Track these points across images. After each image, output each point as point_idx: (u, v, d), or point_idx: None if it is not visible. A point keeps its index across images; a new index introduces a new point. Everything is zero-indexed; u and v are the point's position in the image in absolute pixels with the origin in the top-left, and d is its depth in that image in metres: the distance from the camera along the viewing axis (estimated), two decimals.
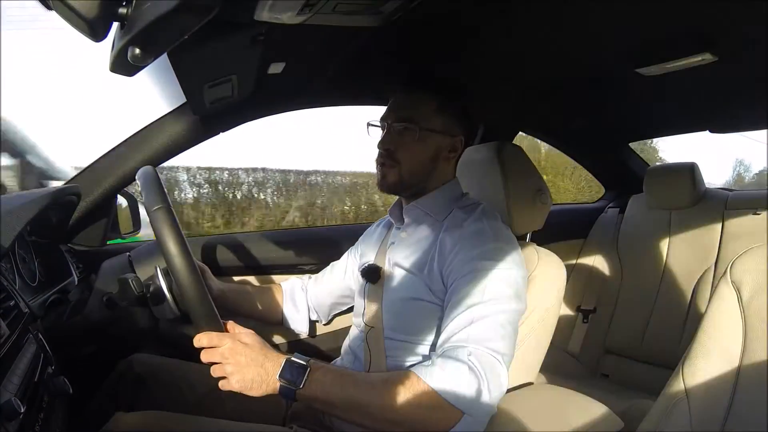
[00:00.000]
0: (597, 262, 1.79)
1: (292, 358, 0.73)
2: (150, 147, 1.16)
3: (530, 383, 0.90)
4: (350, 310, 1.07)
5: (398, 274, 0.91)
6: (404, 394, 0.71)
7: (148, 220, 0.79)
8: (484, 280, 0.79)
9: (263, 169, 7.07)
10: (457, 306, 0.78)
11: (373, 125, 0.96)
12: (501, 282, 0.79)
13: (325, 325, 1.15)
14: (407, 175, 0.91)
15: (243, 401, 0.95)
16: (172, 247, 0.72)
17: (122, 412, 0.83)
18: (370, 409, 0.71)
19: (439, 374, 0.71)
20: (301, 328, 1.12)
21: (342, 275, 1.10)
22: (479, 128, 1.63)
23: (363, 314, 0.96)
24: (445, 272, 0.84)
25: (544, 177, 1.14)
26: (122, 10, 0.51)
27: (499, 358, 0.74)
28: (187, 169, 6.71)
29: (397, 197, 1.00)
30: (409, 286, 0.88)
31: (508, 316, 0.78)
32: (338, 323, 1.18)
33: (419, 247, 0.90)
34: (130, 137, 1.20)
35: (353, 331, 1.00)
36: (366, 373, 0.86)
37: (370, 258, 1.01)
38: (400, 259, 0.92)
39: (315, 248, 1.42)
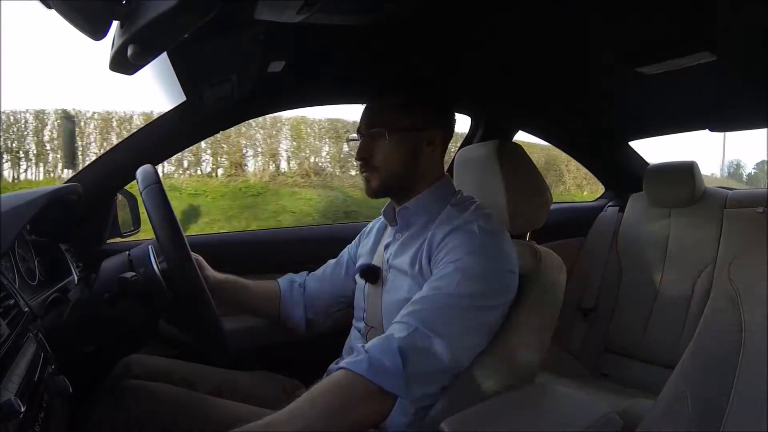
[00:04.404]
0: (597, 260, 1.79)
1: None
2: (150, 146, 1.16)
3: (530, 382, 0.90)
4: (348, 308, 1.07)
5: (394, 275, 0.91)
6: (343, 393, 0.69)
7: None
8: (460, 273, 0.78)
9: None
10: (426, 289, 0.79)
11: (352, 140, 0.97)
12: (478, 277, 0.78)
13: (322, 323, 1.15)
14: (388, 178, 0.91)
15: (244, 402, 0.95)
16: (159, 219, 0.74)
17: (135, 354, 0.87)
18: (318, 423, 0.66)
19: (366, 363, 0.70)
20: (297, 325, 1.12)
21: (340, 273, 1.10)
22: (477, 121, 1.63)
23: (363, 315, 0.96)
24: (432, 266, 0.84)
25: None
26: (122, 9, 0.51)
27: (442, 343, 0.73)
28: None
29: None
30: (404, 288, 0.88)
31: (472, 310, 0.77)
32: (337, 323, 1.18)
33: (411, 248, 0.89)
34: (130, 136, 1.20)
35: (353, 332, 1.00)
36: (302, 395, 0.74)
37: (368, 258, 1.01)
38: (394, 260, 0.92)
39: (313, 247, 1.42)
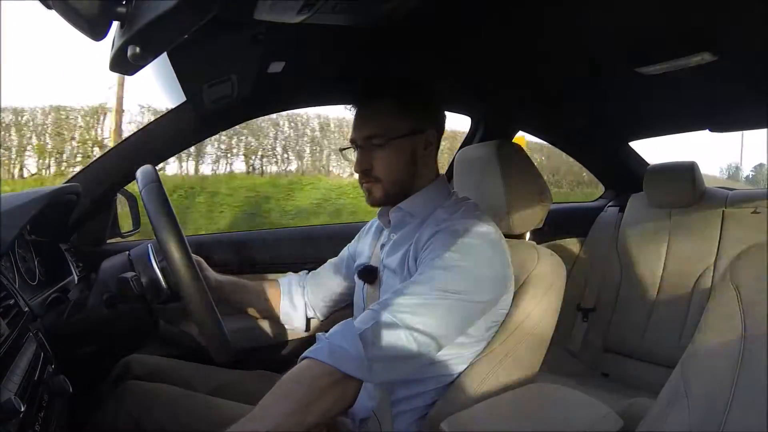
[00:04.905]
0: (597, 260, 1.79)
1: None
2: (150, 146, 1.16)
3: (530, 382, 0.90)
4: (349, 307, 1.07)
5: (388, 275, 0.91)
6: (309, 382, 0.69)
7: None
8: (436, 268, 0.77)
9: None
10: (405, 283, 0.79)
11: (345, 149, 0.96)
12: (457, 275, 0.77)
13: (322, 322, 1.15)
14: (391, 187, 0.90)
15: (245, 401, 0.96)
16: (159, 219, 0.74)
17: (135, 354, 0.85)
18: (291, 417, 0.67)
19: (327, 349, 0.71)
20: (298, 325, 1.12)
21: (340, 273, 1.10)
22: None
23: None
24: (417, 266, 0.83)
25: None
26: (122, 9, 0.51)
27: (408, 330, 0.73)
28: None
29: None
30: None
31: (445, 302, 0.76)
32: (338, 323, 1.18)
33: (401, 249, 0.89)
34: (130, 136, 1.20)
35: None
36: (269, 391, 0.72)
37: (366, 258, 1.01)
38: (388, 261, 0.91)
39: (313, 247, 1.42)
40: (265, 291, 1.11)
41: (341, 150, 0.98)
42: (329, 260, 1.14)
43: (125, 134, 6.20)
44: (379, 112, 0.89)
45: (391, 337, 0.72)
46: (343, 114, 7.92)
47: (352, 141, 0.93)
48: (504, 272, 0.84)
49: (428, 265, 0.79)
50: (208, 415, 0.86)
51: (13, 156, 6.21)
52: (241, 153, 7.13)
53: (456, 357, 0.85)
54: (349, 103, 0.95)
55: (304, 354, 0.72)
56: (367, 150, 0.90)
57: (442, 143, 0.98)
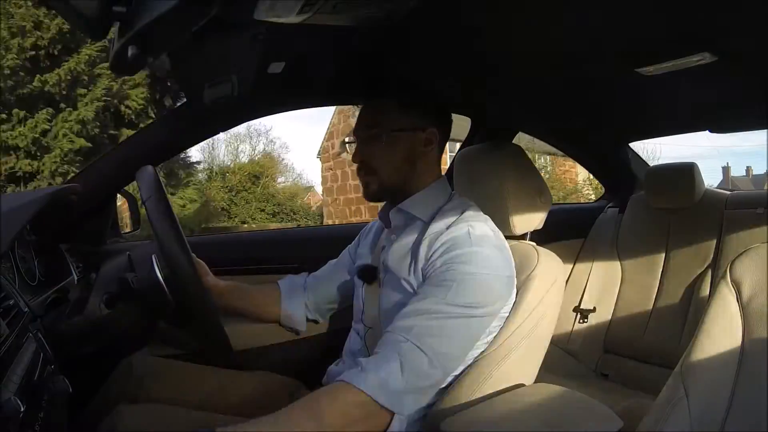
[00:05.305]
0: (597, 261, 1.79)
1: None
2: (149, 146, 1.16)
3: (530, 382, 0.90)
4: (348, 309, 1.07)
5: (390, 277, 0.91)
6: (341, 408, 0.69)
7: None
8: (452, 282, 0.78)
9: None
10: (418, 298, 0.79)
11: (348, 143, 0.96)
12: (469, 286, 0.78)
13: (322, 323, 1.15)
14: (387, 181, 0.91)
15: (246, 402, 0.96)
16: (165, 231, 0.74)
17: (124, 404, 0.84)
18: None
19: (372, 378, 0.71)
20: (298, 327, 1.12)
21: (340, 274, 1.10)
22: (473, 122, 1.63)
23: (362, 316, 0.96)
24: (424, 272, 0.84)
25: None
26: (122, 9, 0.51)
27: (432, 356, 0.74)
28: None
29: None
30: (399, 290, 0.88)
31: (464, 320, 0.78)
32: (337, 323, 1.19)
33: (405, 251, 0.89)
34: (130, 137, 1.20)
35: (352, 333, 1.00)
36: (297, 402, 0.73)
37: (367, 259, 1.01)
38: (389, 262, 0.91)
39: (313, 247, 1.42)
40: (264, 293, 1.11)
41: (343, 142, 0.99)
42: (329, 261, 1.14)
43: None
44: (383, 106, 0.91)
45: (424, 368, 0.74)
46: None
47: (354, 133, 0.94)
48: (509, 276, 0.85)
49: (442, 280, 0.79)
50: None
51: None
52: None
53: None
54: (349, 103, 0.95)
55: (342, 377, 0.72)
56: (366, 142, 0.91)
57: None
